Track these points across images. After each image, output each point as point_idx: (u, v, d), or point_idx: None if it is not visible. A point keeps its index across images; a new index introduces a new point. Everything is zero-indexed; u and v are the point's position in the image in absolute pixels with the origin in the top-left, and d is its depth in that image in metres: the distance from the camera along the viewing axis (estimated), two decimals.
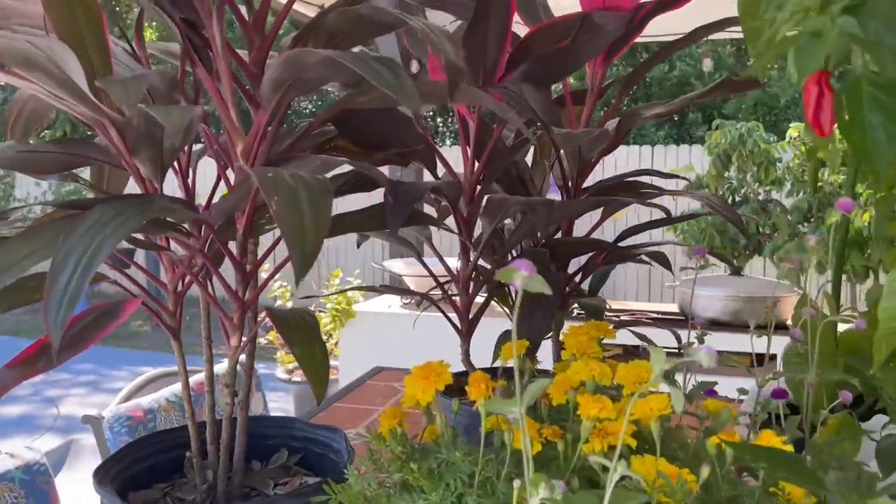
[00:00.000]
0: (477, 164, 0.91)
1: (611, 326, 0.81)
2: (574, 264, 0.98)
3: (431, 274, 0.94)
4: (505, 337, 0.94)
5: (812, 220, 4.02)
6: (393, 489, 0.54)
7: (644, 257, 0.96)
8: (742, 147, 3.93)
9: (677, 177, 1.01)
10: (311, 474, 0.78)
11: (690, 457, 0.57)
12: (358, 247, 1.02)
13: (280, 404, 3.76)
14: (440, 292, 0.96)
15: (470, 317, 0.93)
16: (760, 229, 4.15)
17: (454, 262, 0.95)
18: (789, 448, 0.52)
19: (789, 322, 2.81)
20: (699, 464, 0.57)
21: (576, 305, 0.97)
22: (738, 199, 4.51)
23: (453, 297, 0.92)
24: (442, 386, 0.54)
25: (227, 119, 0.63)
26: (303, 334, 0.58)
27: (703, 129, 6.88)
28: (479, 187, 0.90)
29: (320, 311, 2.99)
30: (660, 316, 2.76)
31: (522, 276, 0.47)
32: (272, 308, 0.62)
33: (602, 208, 0.87)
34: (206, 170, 0.69)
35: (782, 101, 6.62)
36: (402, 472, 0.52)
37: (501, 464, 0.54)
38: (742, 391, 0.81)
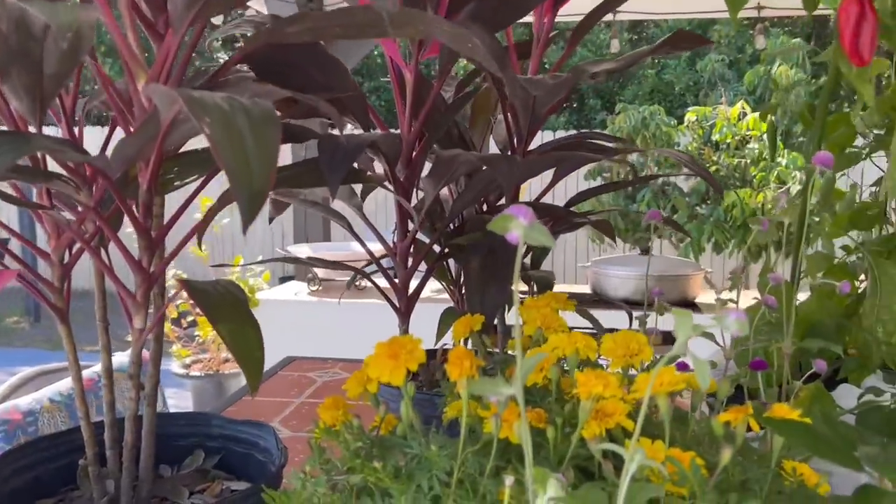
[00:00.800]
0: (415, 123, 0.81)
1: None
2: None
3: (371, 252, 0.84)
4: (449, 313, 0.86)
5: (709, 202, 4.16)
6: (350, 494, 0.44)
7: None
8: (645, 130, 4.00)
9: (622, 140, 0.95)
10: (234, 478, 0.66)
11: (691, 439, 0.50)
12: (270, 222, 0.91)
13: (177, 401, 3.53)
14: (370, 271, 0.86)
15: (409, 293, 0.83)
16: (662, 212, 4.25)
17: (376, 247, 0.84)
18: (807, 421, 0.46)
19: (697, 300, 2.84)
20: (703, 446, 0.50)
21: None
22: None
23: (388, 272, 0.82)
24: (415, 365, 0.44)
25: (124, 47, 0.50)
26: (230, 310, 0.47)
27: (602, 115, 7.03)
28: (416, 150, 0.80)
29: None
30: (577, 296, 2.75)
31: (521, 224, 0.38)
32: (188, 280, 0.50)
33: (555, 169, 0.80)
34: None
35: (677, 88, 6.84)
36: (362, 473, 0.42)
37: (480, 457, 0.45)
38: (711, 364, 0.76)
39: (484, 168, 0.69)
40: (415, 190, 0.83)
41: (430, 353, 0.89)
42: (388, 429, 0.50)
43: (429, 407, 0.75)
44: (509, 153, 0.84)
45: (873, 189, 1.00)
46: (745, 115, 3.83)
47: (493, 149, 0.91)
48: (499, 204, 0.88)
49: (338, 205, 0.92)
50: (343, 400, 0.53)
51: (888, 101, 0.91)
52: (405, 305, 0.82)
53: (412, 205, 0.85)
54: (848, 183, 1.04)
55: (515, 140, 0.83)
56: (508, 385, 0.40)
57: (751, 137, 3.80)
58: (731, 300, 0.73)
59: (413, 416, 0.46)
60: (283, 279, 5.05)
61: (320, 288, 2.67)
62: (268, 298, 2.68)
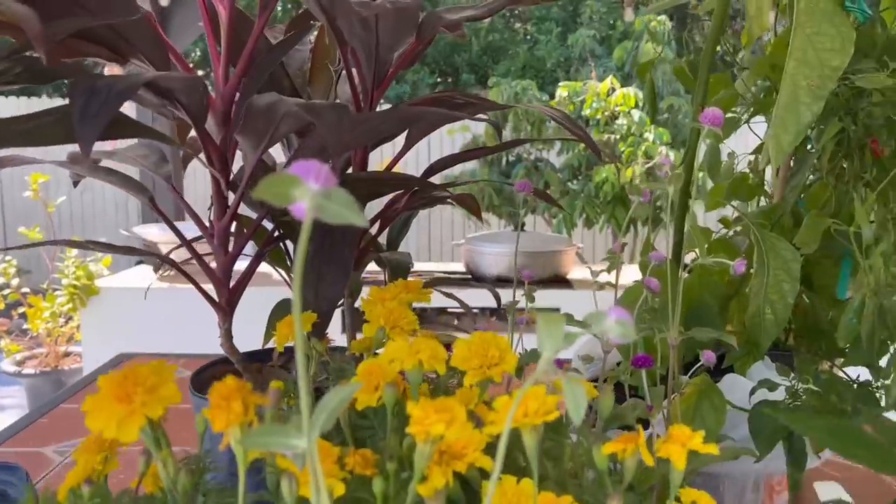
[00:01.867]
0: (233, 70, 0.65)
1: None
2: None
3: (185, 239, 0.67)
4: (282, 308, 0.71)
5: (581, 177, 4.19)
6: None
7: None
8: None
9: (486, 99, 0.83)
10: None
11: (568, 474, 0.38)
12: (75, 186, 0.72)
13: (12, 401, 3.15)
14: (188, 255, 0.69)
15: (231, 284, 0.67)
16: (532, 184, 4.24)
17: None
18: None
19: (569, 276, 2.81)
20: (583, 482, 0.39)
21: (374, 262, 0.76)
22: (511, 158, 4.59)
23: (205, 258, 0.66)
24: (158, 412, 0.29)
25: None
26: None
27: (476, 90, 6.98)
28: (235, 105, 0.64)
29: (55, 289, 2.49)
30: (447, 276, 2.65)
31: (312, 191, 0.25)
32: None
33: (408, 131, 0.66)
34: None
35: (549, 64, 6.89)
36: None
37: None
38: (587, 359, 0.66)
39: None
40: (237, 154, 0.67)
41: (264, 354, 0.74)
42: (156, 485, 0.35)
43: None
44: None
45: (751, 157, 0.94)
46: (614, 90, 3.86)
47: None
48: (347, 171, 0.74)
49: (146, 173, 0.74)
50: (107, 440, 0.38)
51: (767, 60, 0.84)
52: (226, 300, 0.67)
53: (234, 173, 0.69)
54: (725, 151, 0.97)
55: (361, 97, 0.69)
56: (301, 434, 0.26)
57: (620, 113, 3.84)
58: (608, 283, 0.63)
59: (182, 477, 0.31)
60: (140, 263, 4.68)
61: (170, 273, 2.42)
62: (109, 286, 2.40)
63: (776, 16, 0.84)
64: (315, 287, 0.55)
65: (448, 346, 0.62)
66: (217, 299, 0.67)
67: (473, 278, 2.60)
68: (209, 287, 0.67)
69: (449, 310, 2.50)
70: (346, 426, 0.39)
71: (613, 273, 0.60)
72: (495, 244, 2.52)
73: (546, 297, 2.45)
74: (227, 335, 0.67)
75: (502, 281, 2.50)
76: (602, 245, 5.04)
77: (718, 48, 0.88)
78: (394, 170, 0.74)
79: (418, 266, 2.89)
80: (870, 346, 0.65)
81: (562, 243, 2.66)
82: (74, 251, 2.76)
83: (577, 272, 2.75)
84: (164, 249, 2.39)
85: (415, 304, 0.60)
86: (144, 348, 1.79)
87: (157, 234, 2.47)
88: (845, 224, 0.71)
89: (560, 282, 2.60)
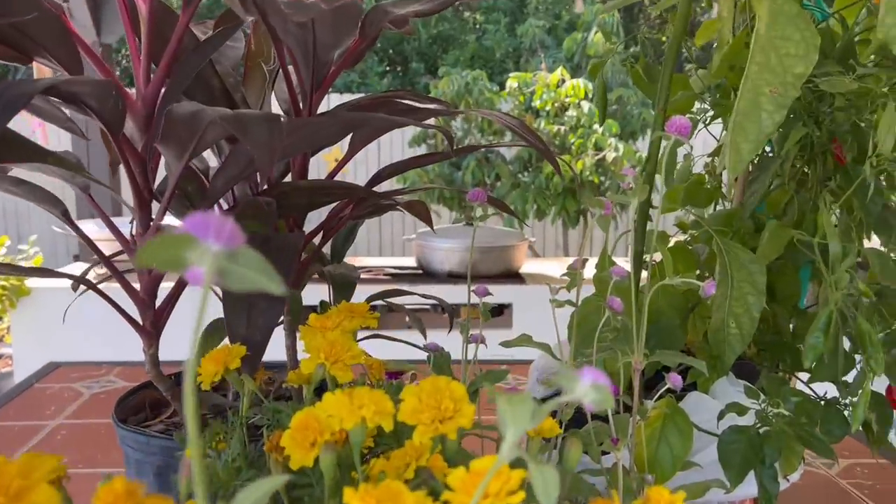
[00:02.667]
0: (155, 68, 0.59)
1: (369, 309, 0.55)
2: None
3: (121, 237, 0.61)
4: (215, 330, 0.65)
5: (531, 169, 4.17)
6: None
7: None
8: (468, 95, 3.91)
9: (438, 101, 0.78)
10: None
11: None
12: None
13: None
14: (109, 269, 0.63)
15: (157, 305, 0.61)
16: (486, 179, 4.21)
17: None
18: None
19: (522, 270, 2.78)
20: None
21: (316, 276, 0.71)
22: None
23: (125, 276, 0.60)
24: None
25: None
26: None
27: (426, 79, 6.90)
28: (158, 107, 0.58)
29: None
30: (398, 271, 2.60)
31: (212, 252, 0.20)
32: None
33: (351, 136, 0.61)
34: None
35: (498, 54, 6.85)
36: None
37: None
38: (548, 383, 0.62)
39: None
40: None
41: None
42: None
43: (170, 458, 0.55)
44: (293, 116, 0.64)
45: (707, 160, 0.91)
46: (564, 81, 3.85)
47: (276, 111, 0.70)
48: (285, 181, 0.68)
49: (57, 184, 0.67)
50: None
51: (726, 59, 0.81)
52: (151, 322, 0.60)
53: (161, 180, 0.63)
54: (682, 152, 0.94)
55: (300, 100, 0.64)
56: None
57: (570, 104, 3.83)
58: (568, 302, 0.59)
59: None
60: (77, 258, 4.48)
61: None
62: (40, 286, 2.27)
63: (735, 15, 0.81)
64: (246, 314, 0.50)
65: (397, 375, 0.57)
66: (141, 322, 0.61)
67: (425, 273, 2.56)
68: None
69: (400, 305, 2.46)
70: (282, 491, 0.34)
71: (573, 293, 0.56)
72: (447, 239, 2.48)
73: (499, 293, 2.42)
74: (153, 361, 0.61)
75: (454, 277, 2.46)
76: (552, 237, 5.04)
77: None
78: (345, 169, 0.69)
79: (369, 261, 2.83)
80: (834, 362, 0.63)
81: (514, 238, 2.64)
82: (3, 248, 2.61)
83: (529, 266, 2.73)
84: (103, 247, 2.28)
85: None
86: (78, 352, 1.68)
87: (94, 230, 2.35)
88: (808, 233, 0.69)
89: (513, 276, 2.57)
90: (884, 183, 0.73)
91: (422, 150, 4.37)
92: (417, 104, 0.70)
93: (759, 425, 0.55)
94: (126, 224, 0.64)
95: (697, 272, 0.84)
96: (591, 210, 0.56)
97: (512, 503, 0.25)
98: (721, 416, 0.56)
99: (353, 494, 0.25)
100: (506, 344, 0.55)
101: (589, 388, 0.22)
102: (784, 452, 0.56)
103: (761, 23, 0.62)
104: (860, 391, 0.59)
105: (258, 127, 0.39)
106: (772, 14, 0.62)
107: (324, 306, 0.64)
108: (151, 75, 0.58)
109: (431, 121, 0.68)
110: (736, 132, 0.64)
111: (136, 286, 0.62)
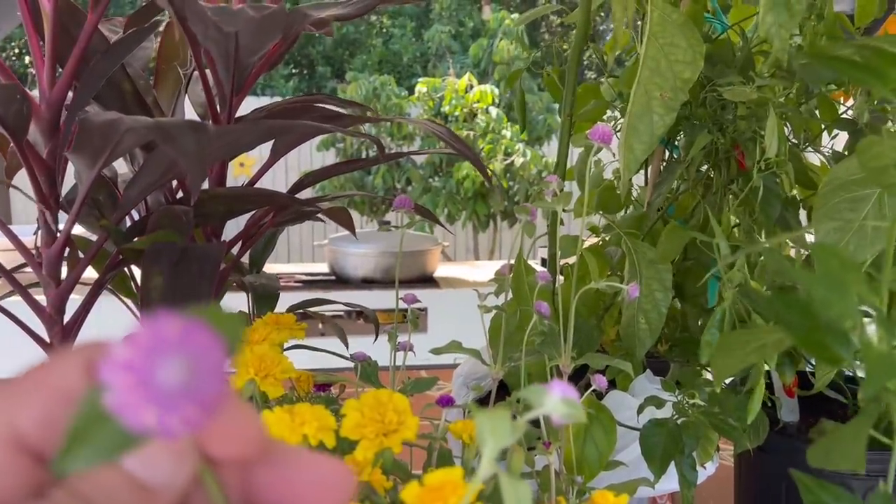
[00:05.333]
0: (61, 70, 0.56)
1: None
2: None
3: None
4: None
5: (442, 174, 4.20)
6: None
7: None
8: (376, 101, 3.89)
9: (358, 105, 0.77)
10: None
11: None
12: None
13: None
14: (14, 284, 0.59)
15: (66, 320, 0.58)
16: (396, 184, 4.21)
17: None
18: None
19: (436, 274, 2.78)
20: None
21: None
22: (372, 153, 4.52)
23: (29, 290, 0.56)
24: None
25: None
26: None
27: (333, 83, 6.82)
28: (66, 112, 0.55)
29: None
30: (310, 278, 2.56)
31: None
32: None
33: (274, 143, 0.59)
34: None
35: (405, 59, 6.86)
36: None
37: None
38: (477, 389, 0.62)
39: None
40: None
41: None
42: None
43: None
44: (210, 121, 0.62)
45: (618, 165, 0.95)
46: (472, 87, 3.90)
47: (191, 114, 0.68)
48: (202, 188, 0.66)
49: None
50: None
51: (632, 70, 0.84)
52: (59, 338, 0.57)
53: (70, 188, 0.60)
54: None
55: (218, 104, 0.62)
56: None
57: (478, 110, 3.88)
58: (497, 308, 0.60)
59: None
60: None
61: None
62: None
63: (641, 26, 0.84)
64: None
65: (326, 387, 0.56)
66: (48, 339, 0.57)
67: (338, 280, 2.53)
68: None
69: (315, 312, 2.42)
70: None
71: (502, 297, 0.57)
72: (360, 245, 2.46)
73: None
74: None
75: (368, 282, 2.44)
76: (462, 241, 5.08)
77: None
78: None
79: (279, 268, 2.77)
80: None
81: (428, 242, 2.64)
82: None
83: (443, 270, 2.74)
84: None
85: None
86: None
87: None
88: (713, 235, 0.72)
89: (427, 281, 2.58)
90: (778, 183, 0.78)
91: (330, 153, 4.32)
92: (340, 109, 0.69)
93: (676, 417, 0.58)
94: (26, 234, 0.60)
95: (609, 273, 0.87)
96: (518, 216, 0.57)
97: None
98: (640, 409, 0.58)
99: None
100: (436, 351, 0.55)
101: (558, 402, 0.23)
102: (700, 442, 0.59)
103: (652, 30, 0.65)
104: (754, 389, 0.62)
105: (185, 136, 0.38)
106: (661, 22, 0.65)
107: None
108: (57, 77, 0.55)
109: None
110: (629, 134, 0.67)
111: (42, 300, 0.58)
